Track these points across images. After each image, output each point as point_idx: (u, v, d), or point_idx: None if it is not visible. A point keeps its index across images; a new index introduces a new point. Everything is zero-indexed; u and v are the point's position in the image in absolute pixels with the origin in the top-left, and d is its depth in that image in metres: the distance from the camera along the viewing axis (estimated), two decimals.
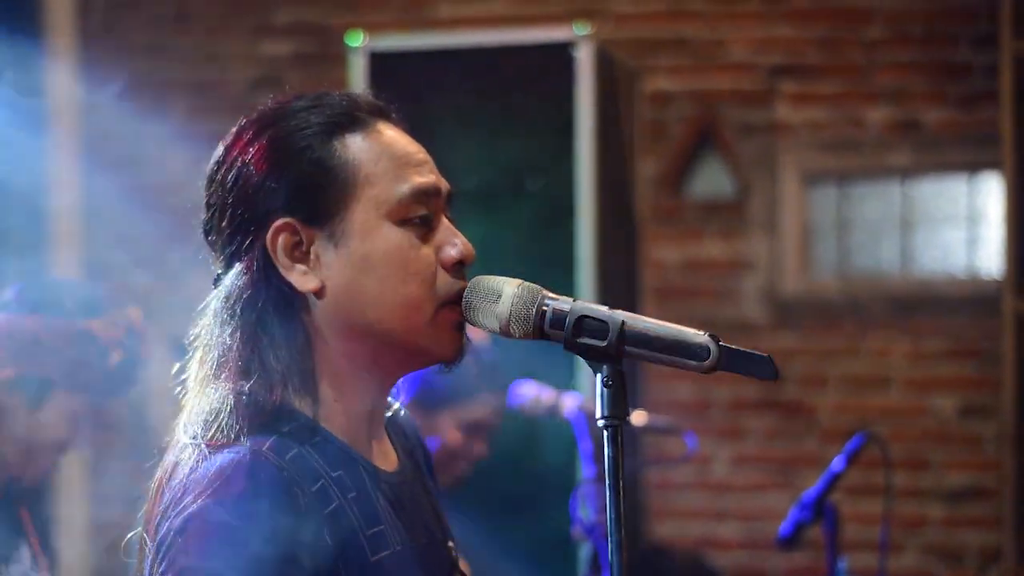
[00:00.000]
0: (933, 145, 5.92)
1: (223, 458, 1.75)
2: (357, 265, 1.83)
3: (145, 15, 6.47)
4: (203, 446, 1.78)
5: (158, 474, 1.85)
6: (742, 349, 1.79)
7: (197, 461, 1.77)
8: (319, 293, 1.84)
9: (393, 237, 1.84)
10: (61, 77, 6.31)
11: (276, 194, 1.83)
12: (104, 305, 2.93)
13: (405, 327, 1.84)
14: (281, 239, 1.83)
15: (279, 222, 1.83)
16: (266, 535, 1.70)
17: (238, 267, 1.85)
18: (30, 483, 2.90)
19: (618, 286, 5.47)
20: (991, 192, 5.87)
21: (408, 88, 5.09)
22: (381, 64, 5.17)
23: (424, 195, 1.87)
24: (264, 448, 1.76)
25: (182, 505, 1.73)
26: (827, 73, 6.00)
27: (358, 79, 5.13)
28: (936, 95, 5.92)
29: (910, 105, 5.93)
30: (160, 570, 1.72)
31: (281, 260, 1.83)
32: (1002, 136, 5.42)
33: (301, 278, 1.84)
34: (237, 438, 1.78)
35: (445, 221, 1.90)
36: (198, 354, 1.89)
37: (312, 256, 1.84)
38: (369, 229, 1.84)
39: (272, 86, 6.21)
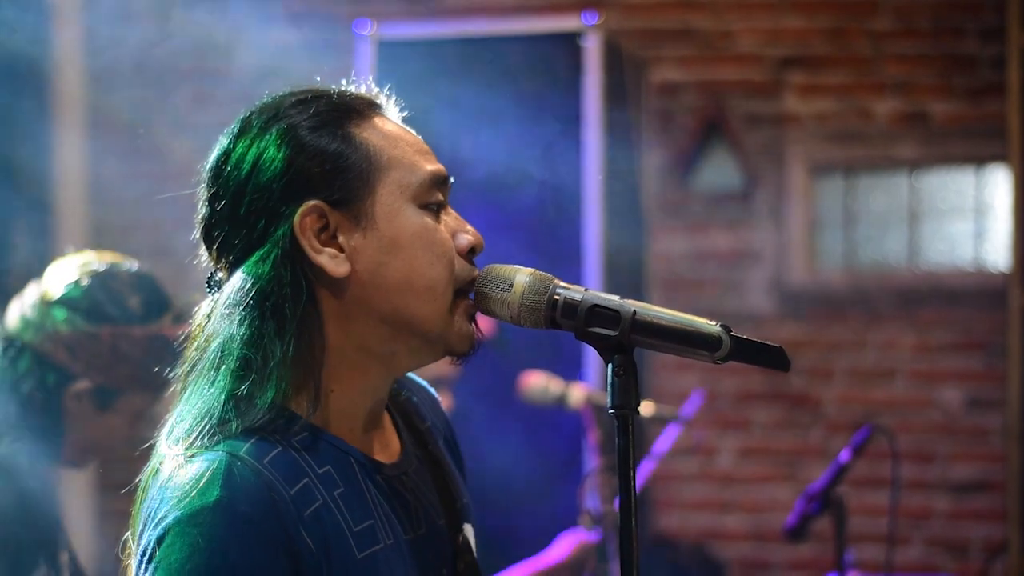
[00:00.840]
0: (940, 137, 5.91)
1: (198, 466, 1.73)
2: (386, 247, 1.82)
3: (151, 3, 6.46)
4: (180, 453, 1.76)
5: (143, 479, 1.83)
6: (754, 340, 1.78)
7: (175, 468, 1.75)
8: (346, 278, 1.81)
9: (418, 219, 1.84)
10: (67, 66, 6.31)
11: (300, 179, 1.81)
12: (167, 295, 2.90)
13: (426, 313, 1.83)
14: (309, 222, 1.81)
15: (307, 205, 1.80)
16: (242, 543, 1.69)
17: (258, 254, 1.81)
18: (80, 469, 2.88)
19: (625, 277, 5.46)
20: (998, 185, 5.87)
21: (416, 77, 5.08)
22: (389, 52, 5.16)
23: (439, 181, 1.87)
24: (241, 452, 1.74)
25: (160, 515, 1.72)
26: (835, 65, 6.00)
27: (366, 67, 5.12)
28: (943, 87, 5.91)
29: (917, 97, 5.93)
30: None
31: (311, 243, 1.80)
32: (1009, 129, 5.41)
33: (331, 261, 1.81)
34: (216, 442, 1.75)
35: (452, 210, 1.90)
36: (194, 350, 1.86)
37: (339, 240, 1.82)
38: (396, 211, 1.83)
39: (279, 74, 6.23)
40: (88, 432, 2.82)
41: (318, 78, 1.97)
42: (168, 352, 2.78)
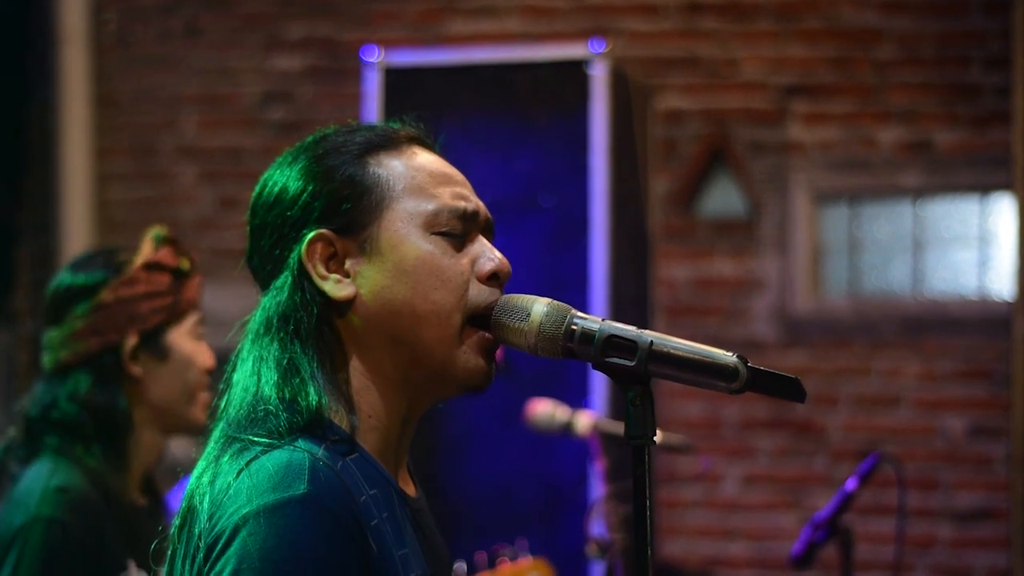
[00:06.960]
0: (944, 166, 5.93)
1: (281, 456, 1.75)
2: (390, 272, 1.85)
3: (157, 29, 6.48)
4: (254, 442, 1.78)
5: (198, 471, 1.83)
6: (770, 370, 1.79)
7: (251, 460, 1.76)
8: (353, 302, 1.86)
9: (425, 245, 1.87)
10: (74, 90, 6.33)
11: (311, 207, 1.87)
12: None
13: (434, 337, 1.85)
14: (317, 249, 1.86)
15: (314, 233, 1.86)
16: (329, 537, 1.71)
17: (278, 281, 1.87)
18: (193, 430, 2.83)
19: (630, 304, 5.46)
20: (1002, 213, 5.88)
21: (422, 104, 5.08)
22: (396, 79, 5.17)
23: (460, 216, 1.90)
24: (319, 453, 1.76)
25: (237, 504, 1.72)
26: (839, 93, 6.01)
27: (373, 94, 5.13)
28: (948, 116, 5.93)
29: (922, 126, 5.94)
30: (216, 568, 1.71)
31: (316, 270, 1.86)
32: (1014, 157, 5.43)
33: (335, 287, 1.86)
34: (291, 438, 1.77)
35: (483, 239, 1.93)
36: (230, 371, 1.89)
37: (347, 266, 1.87)
38: (402, 238, 1.86)
39: (283, 100, 6.25)
40: (164, 388, 2.82)
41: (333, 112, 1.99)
42: (167, 271, 2.80)
